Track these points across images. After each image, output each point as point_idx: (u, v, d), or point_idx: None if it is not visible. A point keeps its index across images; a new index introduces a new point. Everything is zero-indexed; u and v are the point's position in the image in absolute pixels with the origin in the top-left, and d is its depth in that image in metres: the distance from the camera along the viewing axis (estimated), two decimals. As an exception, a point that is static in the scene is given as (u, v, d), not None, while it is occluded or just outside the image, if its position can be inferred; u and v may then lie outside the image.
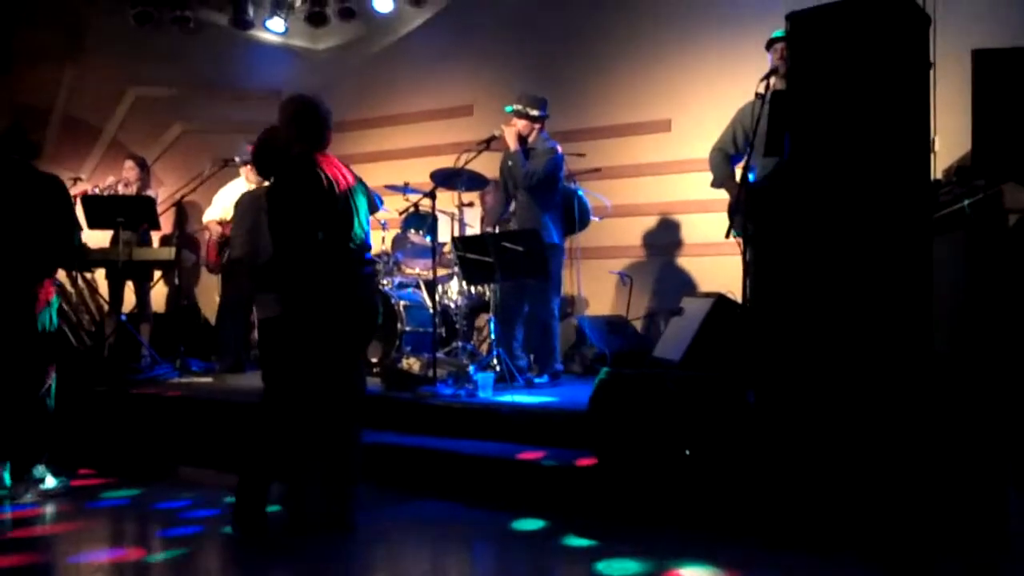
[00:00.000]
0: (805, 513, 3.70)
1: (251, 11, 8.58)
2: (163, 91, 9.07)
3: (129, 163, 7.71)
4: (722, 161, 5.40)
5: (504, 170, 6.26)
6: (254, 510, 3.96)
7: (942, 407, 3.62)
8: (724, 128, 5.43)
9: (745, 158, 4.94)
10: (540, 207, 6.01)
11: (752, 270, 4.24)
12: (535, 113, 6.07)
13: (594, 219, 6.72)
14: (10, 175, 4.83)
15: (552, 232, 6.02)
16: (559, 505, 4.35)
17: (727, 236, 5.04)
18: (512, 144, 6.03)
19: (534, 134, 6.10)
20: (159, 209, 7.18)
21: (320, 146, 4.08)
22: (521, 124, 6.07)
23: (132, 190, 7.53)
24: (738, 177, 5.32)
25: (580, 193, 6.50)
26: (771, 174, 4.76)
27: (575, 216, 6.27)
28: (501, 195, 6.41)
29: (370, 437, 5.22)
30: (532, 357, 6.23)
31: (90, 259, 7.12)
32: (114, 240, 7.27)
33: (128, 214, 6.82)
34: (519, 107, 6.07)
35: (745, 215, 4.61)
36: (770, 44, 5.08)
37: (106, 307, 7.74)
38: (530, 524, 4.18)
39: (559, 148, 6.11)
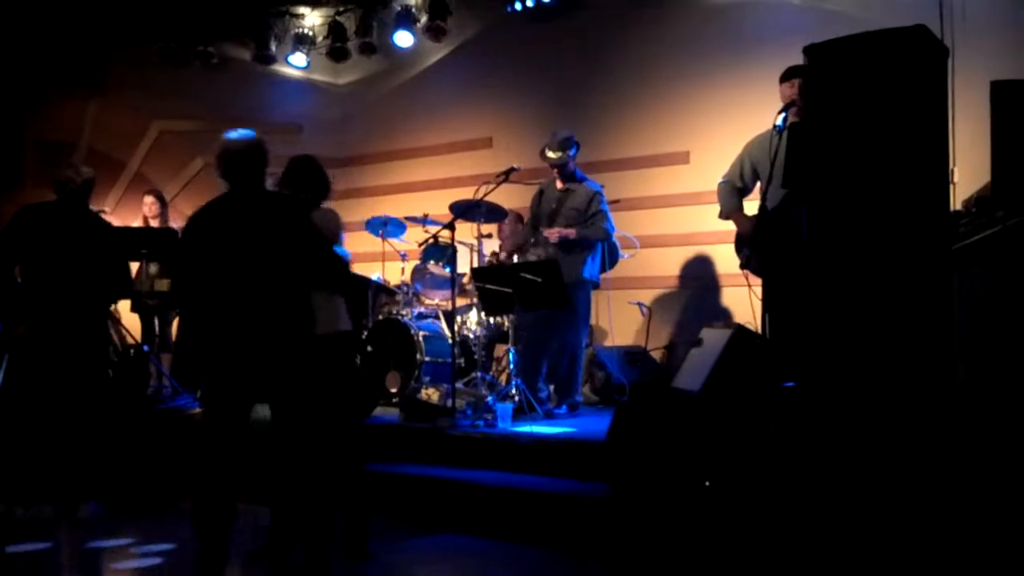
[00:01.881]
0: (828, 551, 3.66)
1: (273, 46, 8.69)
2: (186, 125, 9.19)
3: (149, 199, 7.81)
4: (729, 193, 5.42)
5: (535, 207, 6.31)
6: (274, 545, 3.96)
7: (964, 441, 3.59)
8: (732, 161, 5.45)
9: (763, 189, 4.96)
10: (582, 247, 6.05)
11: (768, 301, 4.23)
12: (571, 153, 6.11)
13: (623, 256, 6.73)
14: (71, 216, 5.11)
15: (594, 269, 6.10)
16: (577, 537, 4.33)
17: (742, 268, 5.06)
18: (556, 238, 6.03)
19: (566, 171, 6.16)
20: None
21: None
22: (564, 168, 6.14)
23: (156, 224, 7.63)
24: (746, 210, 5.35)
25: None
26: (781, 205, 4.77)
27: (605, 255, 6.30)
28: (528, 230, 6.42)
29: (388, 468, 5.24)
30: (552, 388, 6.23)
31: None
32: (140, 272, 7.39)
33: (151, 246, 6.90)
34: (555, 155, 6.10)
35: (761, 245, 4.62)
36: (785, 77, 5.09)
37: (130, 339, 7.79)
38: (548, 556, 4.16)
39: (598, 187, 6.16)
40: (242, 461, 3.76)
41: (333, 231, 4.14)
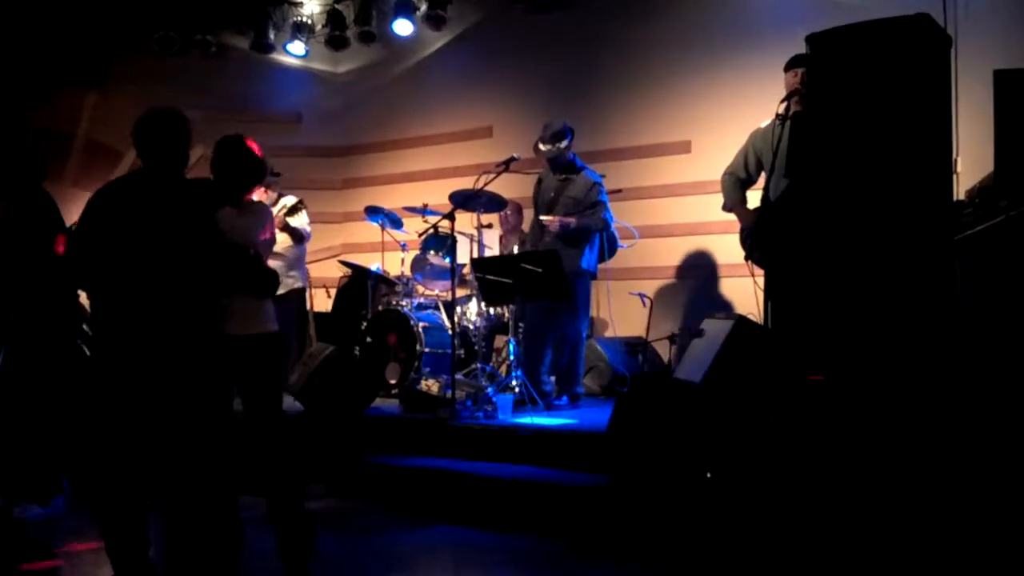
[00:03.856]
0: (828, 542, 3.65)
1: (272, 35, 8.65)
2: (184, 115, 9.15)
3: None
4: (733, 185, 5.40)
5: (536, 195, 6.28)
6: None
7: (967, 433, 3.57)
8: (736, 152, 5.43)
9: (766, 179, 4.94)
10: (580, 237, 6.02)
11: (771, 291, 4.22)
12: (564, 145, 6.07)
13: (622, 246, 6.71)
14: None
15: (592, 259, 6.08)
16: (578, 528, 4.32)
17: (746, 259, 5.04)
18: (557, 227, 6.00)
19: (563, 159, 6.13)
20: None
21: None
22: (558, 160, 6.10)
23: None
24: (749, 203, 5.34)
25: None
26: (783, 195, 4.75)
27: (604, 245, 6.29)
28: (535, 223, 6.39)
29: (387, 459, 5.24)
30: (554, 379, 6.22)
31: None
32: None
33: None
34: (545, 147, 6.07)
35: (763, 236, 4.60)
36: (789, 66, 5.07)
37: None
38: (548, 548, 4.16)
39: (598, 177, 6.12)
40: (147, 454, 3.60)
41: (245, 227, 3.77)
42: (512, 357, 6.23)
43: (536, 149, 6.14)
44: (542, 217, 6.08)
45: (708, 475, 4.01)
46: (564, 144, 6.04)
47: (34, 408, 4.78)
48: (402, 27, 8.31)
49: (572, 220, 5.93)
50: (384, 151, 9.11)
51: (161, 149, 3.68)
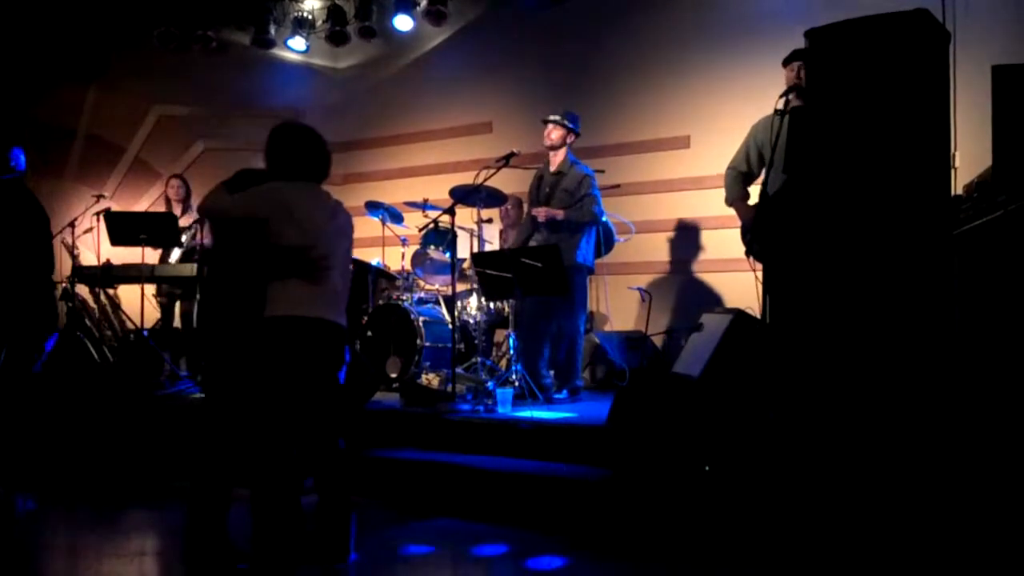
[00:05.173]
0: (826, 537, 3.66)
1: (273, 30, 8.64)
2: (186, 110, 9.17)
3: (176, 181, 7.81)
4: (734, 180, 5.41)
5: (533, 191, 6.29)
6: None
7: (964, 426, 3.59)
8: (738, 147, 5.44)
9: (764, 174, 4.95)
10: (572, 230, 6.03)
11: (769, 286, 4.23)
12: (570, 125, 6.08)
13: (618, 240, 6.73)
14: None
15: (588, 253, 6.08)
16: (578, 522, 4.34)
17: (747, 255, 5.05)
18: (544, 217, 6.03)
19: (561, 154, 6.13)
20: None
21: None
22: (556, 135, 6.10)
23: (179, 208, 7.65)
24: (751, 198, 5.34)
25: (604, 218, 6.51)
26: (780, 190, 4.77)
27: (600, 240, 6.29)
28: (530, 220, 6.41)
29: (388, 453, 5.25)
30: (553, 373, 6.23)
31: (115, 275, 7.20)
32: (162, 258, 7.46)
33: (150, 231, 6.89)
34: (555, 117, 6.09)
35: (761, 231, 4.61)
36: (788, 61, 5.08)
37: (128, 323, 7.80)
38: (549, 541, 4.17)
39: (590, 171, 6.13)
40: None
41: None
42: (512, 351, 6.24)
43: (544, 121, 6.14)
44: (533, 209, 6.11)
45: (706, 468, 4.03)
46: (570, 125, 6.07)
47: (27, 398, 4.82)
48: (402, 23, 8.31)
49: (559, 212, 5.95)
50: (384, 146, 9.12)
51: (272, 159, 4.01)
